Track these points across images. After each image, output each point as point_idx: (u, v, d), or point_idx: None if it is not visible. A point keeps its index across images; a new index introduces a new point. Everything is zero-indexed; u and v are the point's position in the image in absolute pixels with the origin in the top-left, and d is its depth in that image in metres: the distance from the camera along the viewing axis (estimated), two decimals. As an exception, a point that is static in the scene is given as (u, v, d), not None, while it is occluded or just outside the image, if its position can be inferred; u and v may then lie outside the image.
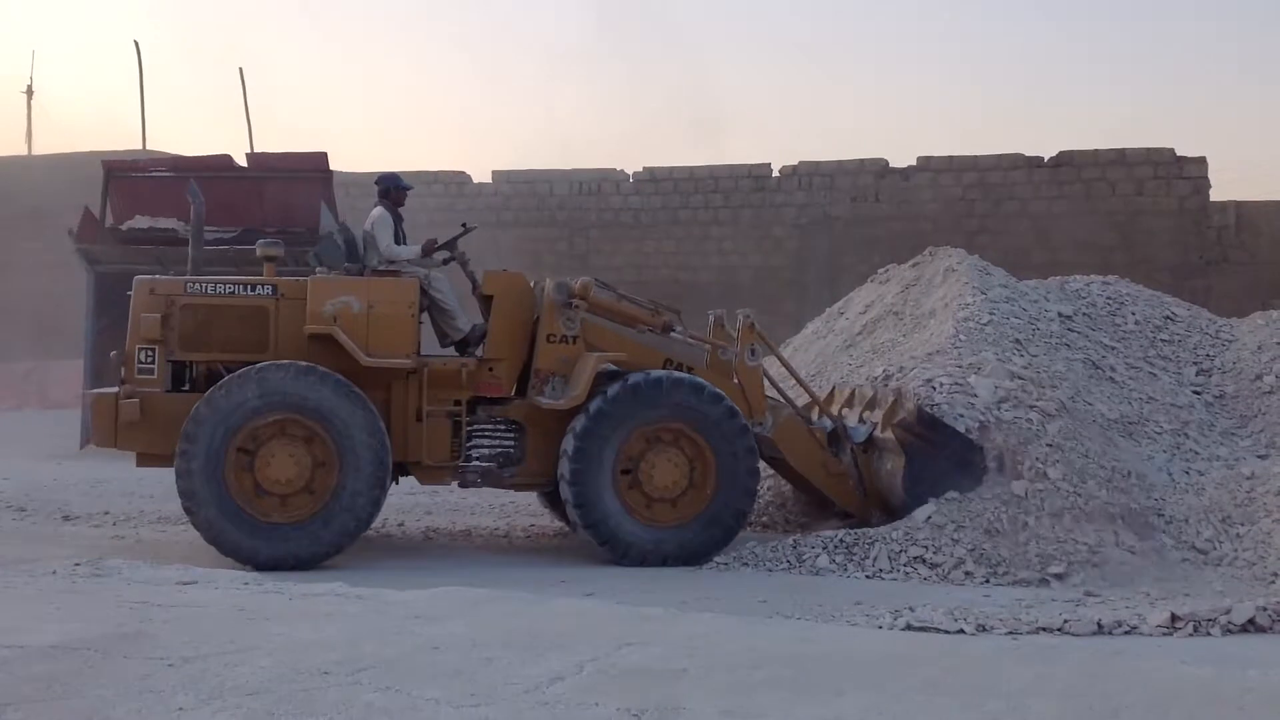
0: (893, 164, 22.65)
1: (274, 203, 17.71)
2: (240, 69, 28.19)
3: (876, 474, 9.83)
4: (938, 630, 6.82)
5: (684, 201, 23.24)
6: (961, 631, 6.81)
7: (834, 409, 10.50)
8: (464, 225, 10.52)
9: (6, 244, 25.56)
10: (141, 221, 17.79)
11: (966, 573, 8.63)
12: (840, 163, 22.78)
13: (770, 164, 23.11)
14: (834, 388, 10.91)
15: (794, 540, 9.32)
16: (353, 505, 9.10)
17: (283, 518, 9.11)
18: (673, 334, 10.05)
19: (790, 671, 5.58)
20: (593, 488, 9.32)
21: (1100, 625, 6.91)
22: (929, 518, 9.11)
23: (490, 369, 9.79)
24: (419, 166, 24.71)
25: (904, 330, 11.93)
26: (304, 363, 9.23)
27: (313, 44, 57.25)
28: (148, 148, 28.22)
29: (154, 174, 18.91)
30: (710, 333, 10.17)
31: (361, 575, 8.45)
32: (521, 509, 12.23)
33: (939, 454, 9.41)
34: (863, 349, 12.13)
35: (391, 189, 10.31)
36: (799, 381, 10.63)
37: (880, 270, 13.80)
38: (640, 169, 23.71)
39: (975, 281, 11.80)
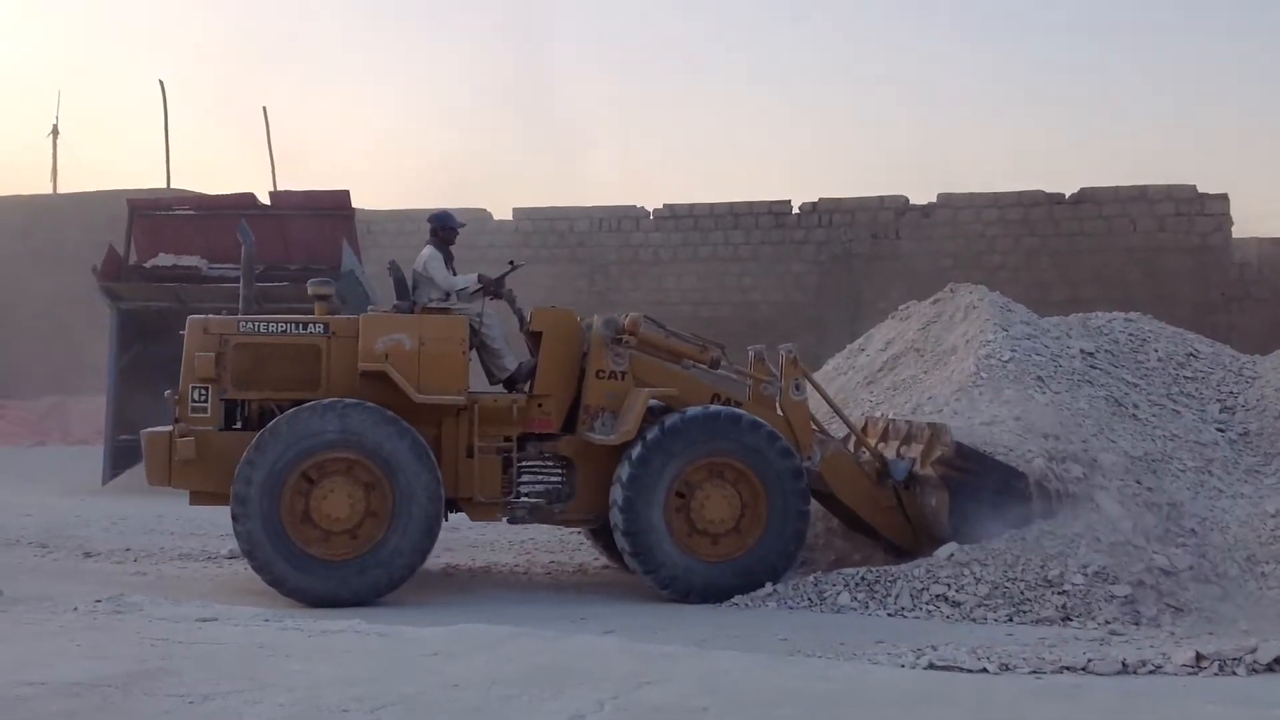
0: (914, 200, 22.67)
1: (296, 240, 17.81)
2: (264, 108, 28.42)
3: (921, 509, 9.83)
4: (961, 669, 6.77)
5: (704, 238, 23.28)
6: (985, 670, 6.75)
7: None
8: (511, 262, 10.60)
9: (31, 281, 25.75)
10: (165, 259, 17.90)
11: (989, 611, 8.57)
12: (861, 199, 22.80)
13: (790, 200, 23.17)
14: (866, 421, 10.92)
15: (815, 578, 9.29)
16: (409, 540, 9.18)
17: (325, 553, 9.17)
18: (719, 369, 10.09)
19: (811, 710, 5.54)
20: (647, 531, 9.33)
21: (1124, 664, 6.85)
22: (951, 555, 9.07)
23: (540, 405, 9.84)
24: (440, 204, 24.83)
25: (925, 367, 11.90)
26: (356, 400, 9.31)
27: (335, 83, 57.71)
28: (172, 186, 28.43)
29: (177, 212, 19.04)
30: (751, 368, 10.18)
31: (380, 612, 8.44)
32: (541, 546, 12.21)
33: (982, 486, 9.47)
34: (883, 385, 12.11)
35: (440, 228, 10.41)
36: (841, 417, 10.62)
37: (901, 307, 13.78)
38: (660, 205, 23.80)
39: (997, 318, 11.78)
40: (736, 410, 9.62)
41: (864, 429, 10.66)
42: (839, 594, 9.00)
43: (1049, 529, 9.11)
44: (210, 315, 10.09)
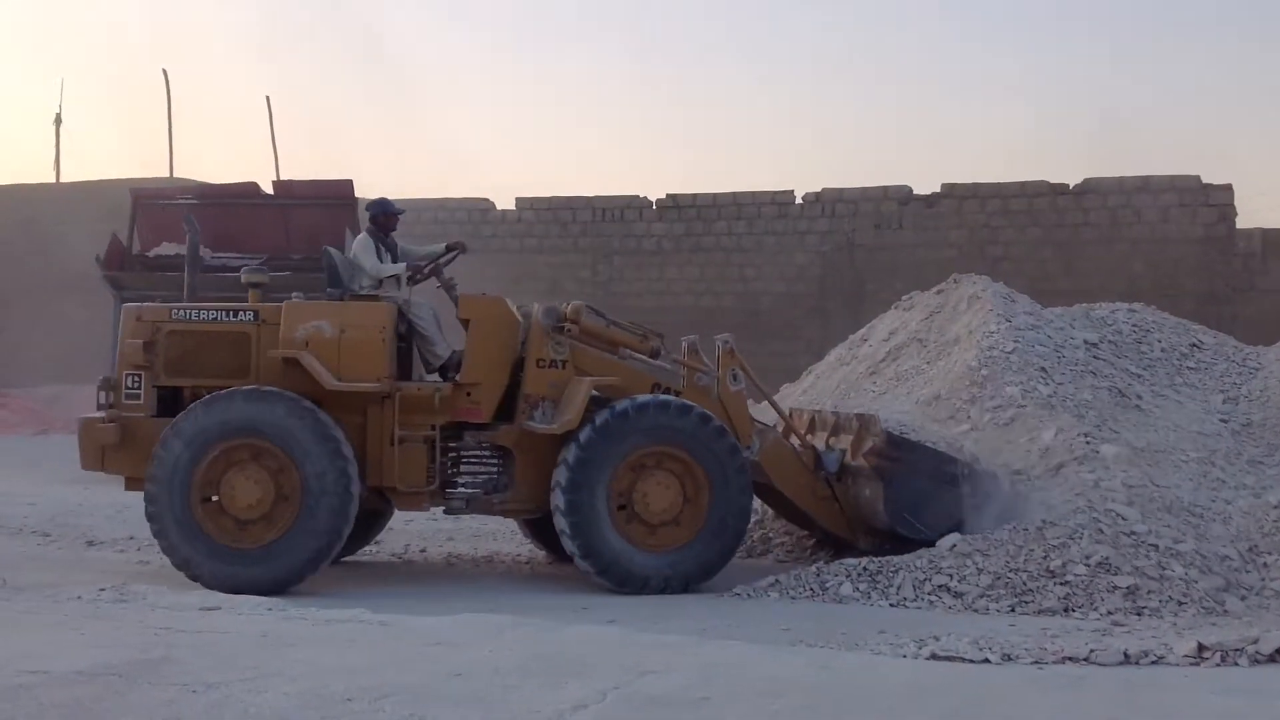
0: (917, 190, 22.63)
1: (299, 230, 17.83)
2: (267, 98, 28.47)
3: (855, 500, 9.83)
4: (963, 660, 6.77)
5: (707, 228, 23.26)
6: (987, 661, 6.76)
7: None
8: (448, 247, 10.41)
9: (34, 270, 25.78)
10: (168, 249, 17.93)
11: (991, 601, 8.58)
12: (864, 189, 22.77)
13: (793, 190, 23.13)
14: (791, 413, 10.86)
15: (817, 568, 9.28)
16: (315, 528, 9.05)
17: (243, 543, 9.10)
18: (658, 359, 10.04)
19: (813, 700, 5.55)
20: (588, 517, 9.26)
21: (1126, 655, 6.85)
22: (953, 546, 9.07)
23: (468, 394, 9.69)
24: (443, 194, 24.84)
25: (928, 358, 11.89)
26: (268, 387, 9.28)
27: (339, 73, 57.70)
28: (175, 176, 28.44)
29: (181, 201, 19.04)
30: (685, 358, 10.07)
31: (384, 601, 8.45)
32: (544, 536, 12.21)
33: (915, 474, 9.49)
34: (886, 376, 12.09)
35: (380, 215, 10.27)
36: (775, 407, 10.57)
37: (904, 297, 13.76)
38: (663, 195, 23.78)
39: (1000, 309, 11.76)
40: (686, 401, 9.55)
41: (790, 419, 10.64)
42: (841, 584, 9.00)
43: (1051, 520, 9.11)
44: (144, 303, 10.06)
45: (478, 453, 9.91)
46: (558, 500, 9.29)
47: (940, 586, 8.78)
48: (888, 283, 20.71)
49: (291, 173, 26.81)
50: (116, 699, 5.33)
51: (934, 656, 6.85)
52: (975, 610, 8.49)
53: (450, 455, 9.85)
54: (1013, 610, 8.46)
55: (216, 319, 9.68)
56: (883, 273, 21.84)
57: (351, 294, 9.89)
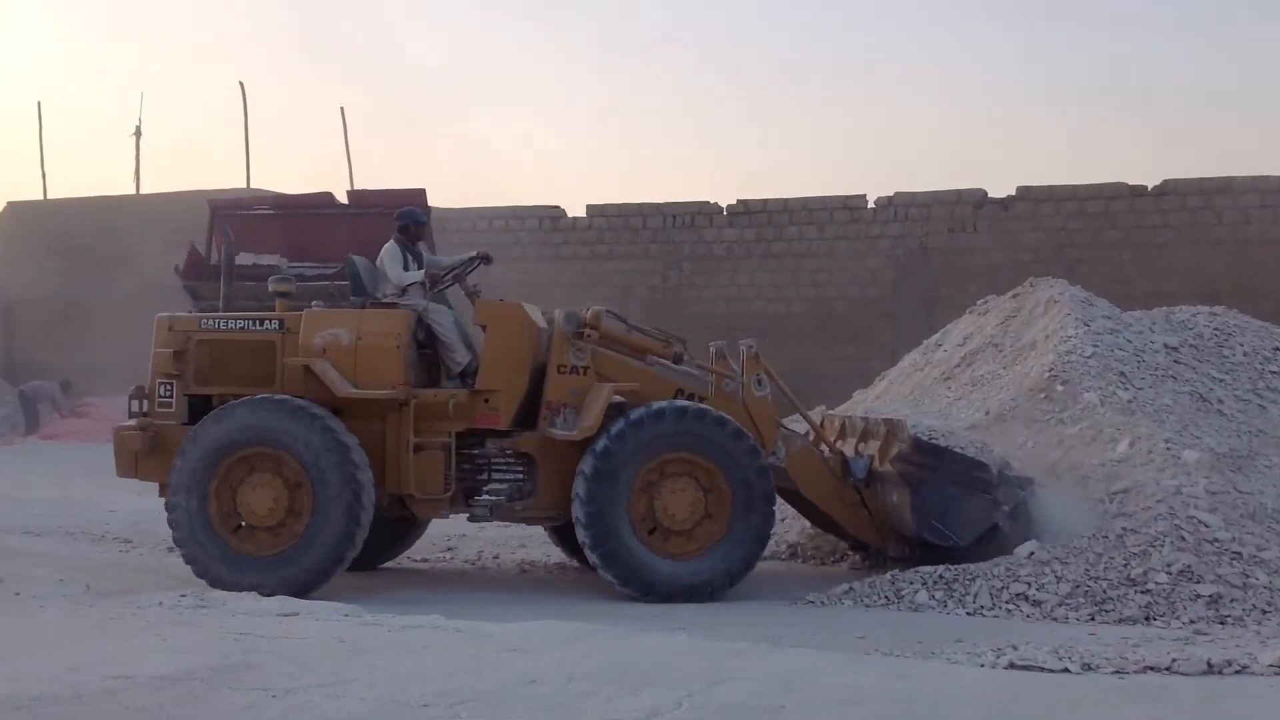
0: (991, 194, 22.37)
1: (372, 238, 17.96)
2: (342, 108, 28.65)
3: (883, 507, 9.73)
4: (1042, 669, 6.68)
5: (778, 233, 23.15)
6: (1066, 670, 6.66)
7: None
8: (475, 255, 10.48)
9: (115, 280, 26.22)
10: (245, 258, 18.15)
11: (1070, 610, 8.46)
12: (937, 193, 22.54)
13: (865, 195, 22.96)
14: (823, 419, 10.80)
15: (892, 575, 9.21)
16: (326, 536, 9.15)
17: (260, 550, 9.24)
18: (681, 364, 10.01)
19: (890, 710, 5.50)
20: (609, 526, 9.22)
21: (1210, 665, 6.71)
22: (1031, 554, 8.95)
23: (486, 400, 9.66)
24: (515, 202, 24.96)
25: (1004, 362, 11.76)
26: (281, 396, 9.40)
27: (412, 84, 58.19)
28: (251, 186, 28.82)
29: (257, 211, 19.31)
30: (713, 364, 10.03)
31: (458, 608, 8.50)
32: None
33: (943, 479, 9.37)
34: (961, 381, 11.98)
35: (409, 224, 10.30)
36: (802, 413, 10.54)
37: (979, 301, 13.63)
38: (734, 201, 23.72)
39: (1078, 313, 11.61)
40: (703, 406, 9.49)
41: (821, 427, 10.56)
42: (916, 592, 8.92)
43: (1132, 527, 8.96)
44: (176, 313, 10.30)
45: (501, 460, 9.88)
46: (577, 511, 9.28)
47: (1018, 595, 8.68)
48: (962, 287, 20.47)
49: (365, 182, 27.13)
50: (197, 704, 5.40)
51: (1013, 666, 6.76)
52: (1054, 619, 8.38)
53: (471, 462, 9.82)
54: (1092, 619, 8.34)
55: (243, 328, 9.83)
56: (956, 277, 21.60)
57: (374, 301, 9.96)
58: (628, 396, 9.57)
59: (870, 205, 22.84)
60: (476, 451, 9.79)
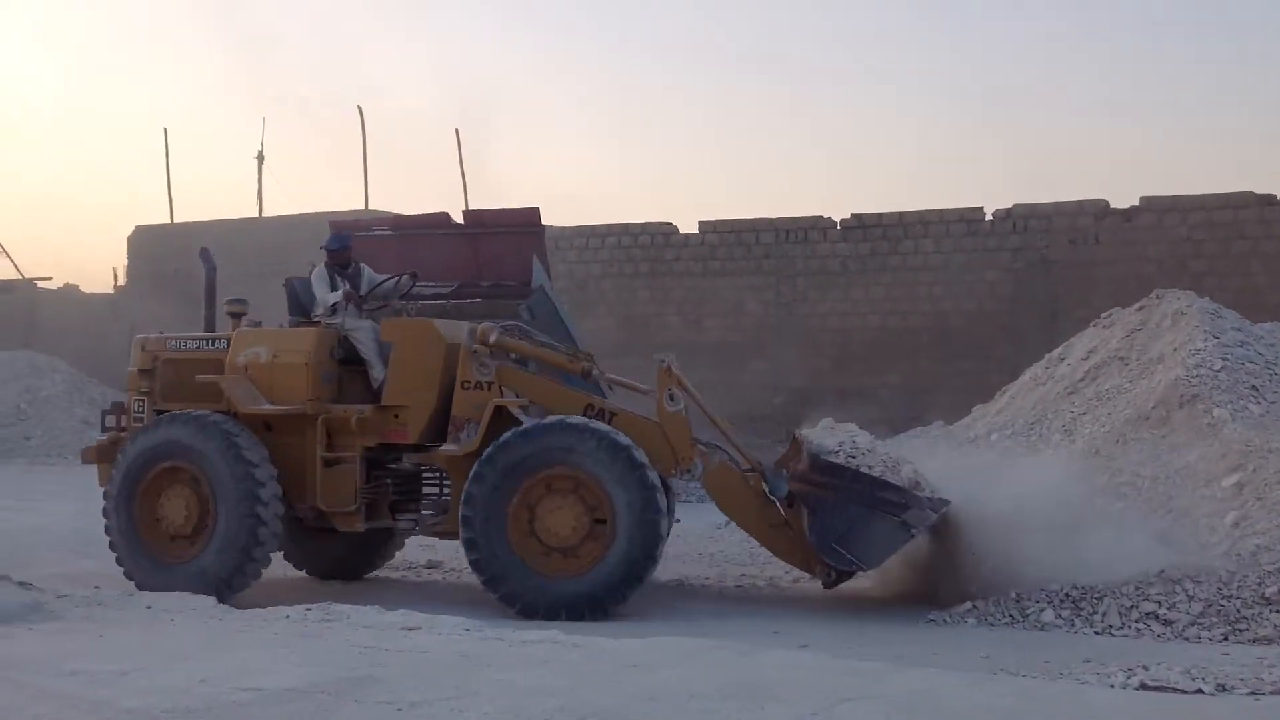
0: (1114, 204, 21.89)
1: (487, 257, 18.14)
2: (456, 130, 29.08)
3: (803, 526, 9.31)
4: (1174, 690, 6.49)
5: (893, 247, 22.89)
6: (1200, 691, 6.46)
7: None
8: (405, 275, 10.83)
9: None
10: (363, 277, 18.45)
11: (1203, 629, 8.21)
12: (1058, 204, 22.11)
13: (983, 207, 22.61)
14: (794, 437, 10.30)
15: (1016, 594, 9.02)
16: (228, 545, 9.55)
17: (177, 557, 9.74)
18: (590, 379, 9.95)
19: (1019, 731, 5.38)
20: (488, 544, 9.22)
21: (1351, 687, 6.46)
22: (1162, 571, 8.71)
23: (396, 416, 9.83)
24: (626, 219, 25.06)
25: (1130, 376, 11.48)
26: (198, 411, 9.87)
27: (526, 101, 58.89)
28: (369, 207, 29.36)
29: (376, 232, 19.60)
30: (659, 379, 9.75)
31: (577, 624, 8.53)
32: (731, 559, 12.18)
33: (845, 499, 8.98)
34: (1086, 396, 11.72)
35: (336, 249, 10.74)
36: (719, 426, 10.12)
37: (1103, 315, 13.34)
38: (848, 215, 23.53)
39: (1206, 325, 11.30)
40: (581, 420, 9.34)
41: (794, 445, 10.09)
42: (1042, 611, 8.75)
43: (1266, 545, 8.67)
44: (150, 334, 10.81)
45: (421, 475, 10.22)
46: (461, 529, 9.30)
47: (1148, 614, 8.46)
48: (1084, 300, 20.06)
49: (479, 201, 27.46)
50: (326, 716, 5.48)
51: (1144, 686, 6.58)
52: (1186, 638, 8.15)
53: (394, 477, 10.10)
54: (1226, 639, 8.10)
55: (197, 347, 10.42)
56: (1078, 290, 21.14)
57: (305, 321, 10.40)
58: (524, 410, 9.56)
59: (988, 217, 22.49)
60: (394, 466, 10.02)
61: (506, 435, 9.33)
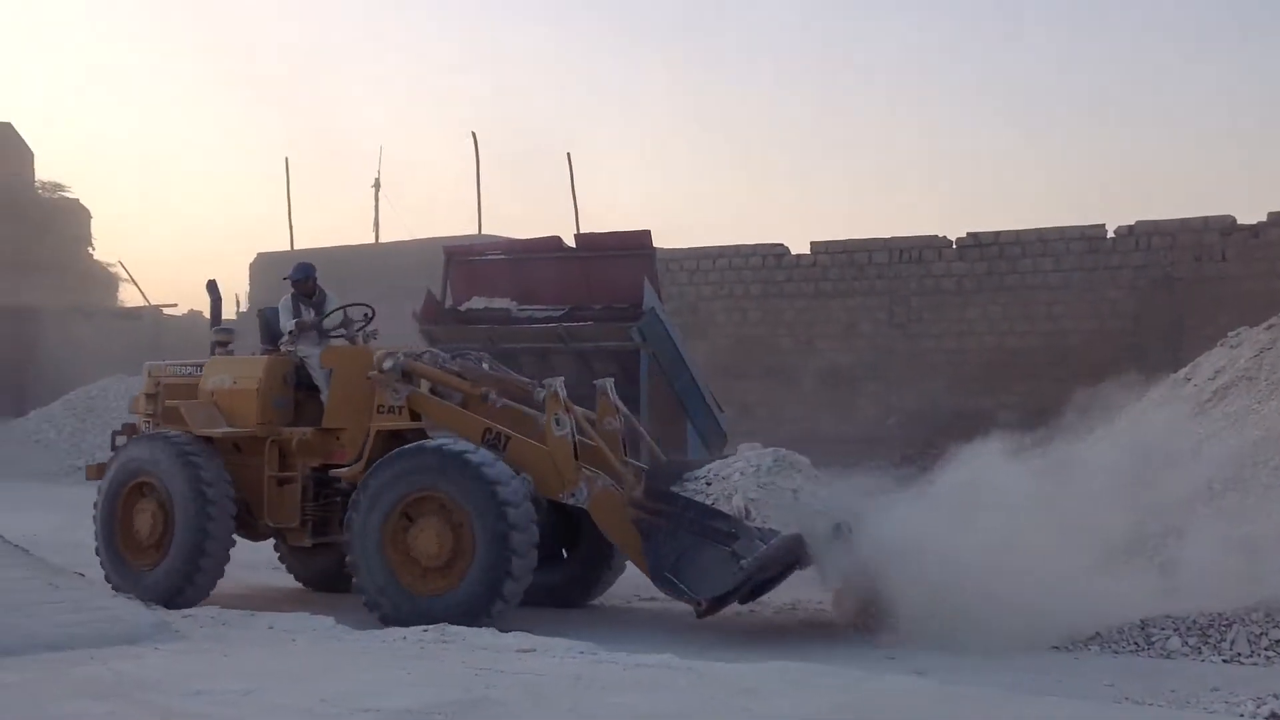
0: (1241, 220, 21.32)
1: (599, 281, 18.25)
2: (568, 154, 29.35)
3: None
4: (1309, 722, 6.26)
5: (1011, 266, 22.51)
6: (1336, 723, 6.22)
7: None
8: (358, 304, 11.28)
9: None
10: (478, 302, 18.65)
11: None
12: (1183, 220, 21.59)
13: (1104, 224, 22.16)
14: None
15: (1141, 621, 8.78)
16: (180, 557, 10.24)
17: (144, 567, 10.44)
18: (488, 403, 10.07)
19: (1146, 763, 5.22)
20: (367, 562, 9.57)
21: None
22: (1293, 597, 8.42)
23: (337, 437, 10.34)
24: (737, 240, 25.04)
25: (1259, 396, 11.15)
26: (167, 431, 10.67)
27: (633, 126, 59.38)
28: (483, 232, 29.74)
29: (490, 257, 19.83)
30: (546, 404, 9.84)
31: (690, 647, 8.49)
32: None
33: (678, 527, 8.89)
34: (1214, 417, 11.40)
35: (300, 279, 11.18)
36: (605, 453, 9.98)
37: (1231, 333, 12.98)
38: (963, 234, 23.22)
39: (1337, 343, 10.93)
40: (438, 443, 9.61)
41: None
42: (1168, 638, 8.49)
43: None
44: (157, 361, 11.78)
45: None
46: (347, 551, 9.78)
47: (1278, 641, 8.16)
48: (1210, 318, 19.51)
49: (591, 225, 27.66)
50: (442, 737, 5.52)
51: (1273, 716, 6.37)
52: (1320, 668, 7.84)
53: (331, 496, 10.48)
54: (1364, 669, 7.77)
55: (189, 374, 11.18)
56: (1205, 308, 20.58)
57: (274, 348, 11.03)
58: (405, 435, 9.98)
59: (1110, 235, 22.03)
60: (338, 485, 10.38)
61: (379, 460, 9.78)
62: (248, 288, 31.34)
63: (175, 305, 35.53)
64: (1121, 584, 10.47)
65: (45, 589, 8.37)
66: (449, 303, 18.88)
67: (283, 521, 10.51)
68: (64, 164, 74.27)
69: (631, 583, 10.93)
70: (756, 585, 9.25)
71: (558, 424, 9.74)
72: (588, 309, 17.62)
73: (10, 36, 63.36)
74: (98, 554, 10.79)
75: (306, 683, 6.63)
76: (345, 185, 62.18)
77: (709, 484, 9.47)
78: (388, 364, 10.00)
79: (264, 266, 30.67)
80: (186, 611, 9.01)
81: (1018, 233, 22.66)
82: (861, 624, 9.27)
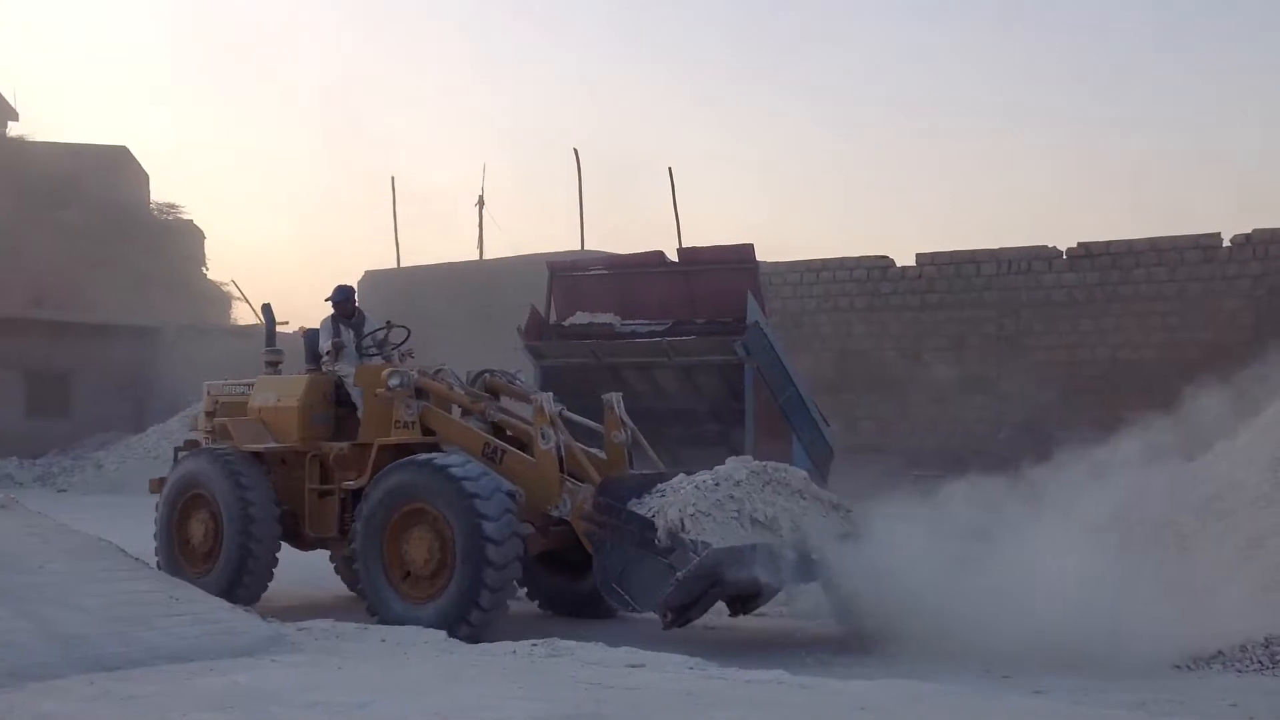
0: (1365, 227, 20.65)
1: (702, 295, 18.22)
2: (670, 169, 29.37)
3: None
4: None
5: (1123, 276, 22.01)
6: None
7: None
8: (388, 323, 11.79)
9: (464, 342, 27.66)
10: (581, 317, 18.73)
11: None
12: (1303, 227, 20.99)
13: (1220, 233, 21.59)
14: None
15: (1266, 638, 8.52)
16: (227, 566, 10.83)
17: (198, 572, 10.92)
18: (486, 417, 10.61)
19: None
20: (369, 571, 10.06)
21: None
22: None
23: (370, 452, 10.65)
24: (842, 253, 24.84)
25: (1388, 406, 10.77)
26: (216, 446, 11.36)
27: (735, 140, 59.31)
28: (586, 247, 29.88)
29: (593, 272, 19.90)
30: (534, 418, 10.29)
31: (800, 663, 8.43)
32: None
33: (623, 540, 9.19)
34: (1342, 429, 11.04)
35: (338, 301, 11.80)
36: (586, 466, 10.30)
37: (1354, 343, 12.56)
38: (1074, 244, 22.77)
39: None
40: (428, 457, 10.02)
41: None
42: (1295, 657, 8.22)
43: None
44: (216, 380, 12.41)
45: None
46: (356, 561, 10.24)
47: None
48: (1332, 328, 18.91)
49: (693, 239, 27.64)
50: (554, 752, 5.52)
51: None
52: None
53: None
54: None
55: (242, 392, 11.77)
56: (1326, 318, 19.95)
57: (316, 367, 11.52)
58: (412, 448, 10.37)
59: (1226, 244, 21.47)
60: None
61: (379, 474, 10.25)
62: (356, 305, 31.83)
63: (286, 323, 36.21)
64: (1245, 600, 10.23)
65: (167, 602, 8.54)
66: (553, 318, 18.99)
67: (323, 532, 11.01)
68: (178, 185, 76.34)
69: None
70: (713, 598, 9.58)
71: (544, 438, 10.14)
72: (691, 323, 17.60)
73: (124, 63, 65.31)
74: (157, 562, 11.19)
75: (420, 696, 6.69)
76: (450, 204, 62.95)
77: (664, 496, 9.72)
78: (394, 381, 10.52)
79: (372, 284, 31.13)
80: (301, 624, 9.14)
81: (1130, 242, 22.17)
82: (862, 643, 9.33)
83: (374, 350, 11.60)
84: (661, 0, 64.92)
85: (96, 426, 30.54)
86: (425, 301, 28.56)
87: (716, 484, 9.72)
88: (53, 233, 33.32)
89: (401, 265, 32.58)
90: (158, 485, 11.90)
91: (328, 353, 11.54)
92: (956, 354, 23.12)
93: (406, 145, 63.27)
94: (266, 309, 12.72)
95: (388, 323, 11.92)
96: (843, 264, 24.65)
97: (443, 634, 9.04)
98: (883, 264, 24.35)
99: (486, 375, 11.31)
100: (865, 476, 15.46)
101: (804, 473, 10.70)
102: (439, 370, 11.00)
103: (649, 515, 9.39)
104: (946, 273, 23.63)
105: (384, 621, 9.72)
